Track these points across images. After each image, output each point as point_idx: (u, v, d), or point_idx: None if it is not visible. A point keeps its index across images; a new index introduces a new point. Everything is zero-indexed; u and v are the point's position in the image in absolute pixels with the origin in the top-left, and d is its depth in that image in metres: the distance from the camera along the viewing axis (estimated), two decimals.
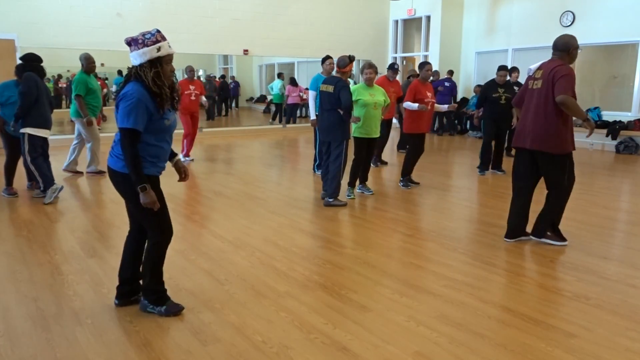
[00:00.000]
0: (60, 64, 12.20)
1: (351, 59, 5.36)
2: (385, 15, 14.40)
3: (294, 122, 14.17)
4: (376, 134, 5.78)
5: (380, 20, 14.31)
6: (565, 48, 3.96)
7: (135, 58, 2.65)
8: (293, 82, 14.09)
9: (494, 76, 7.37)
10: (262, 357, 2.54)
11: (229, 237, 4.48)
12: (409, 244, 4.33)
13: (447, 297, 3.23)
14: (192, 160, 8.46)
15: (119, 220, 4.99)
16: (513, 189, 4.35)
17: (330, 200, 5.48)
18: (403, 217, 5.15)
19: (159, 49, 2.65)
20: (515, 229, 4.36)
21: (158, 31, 2.69)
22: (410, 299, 3.21)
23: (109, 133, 9.54)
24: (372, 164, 7.80)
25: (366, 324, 2.88)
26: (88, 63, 6.74)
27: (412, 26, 14.55)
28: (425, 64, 6.21)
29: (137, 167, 2.65)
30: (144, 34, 2.65)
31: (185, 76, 8.40)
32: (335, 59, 5.77)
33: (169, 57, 2.71)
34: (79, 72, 6.80)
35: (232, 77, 17.26)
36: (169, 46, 2.70)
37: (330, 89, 5.28)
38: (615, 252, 4.15)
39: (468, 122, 12.65)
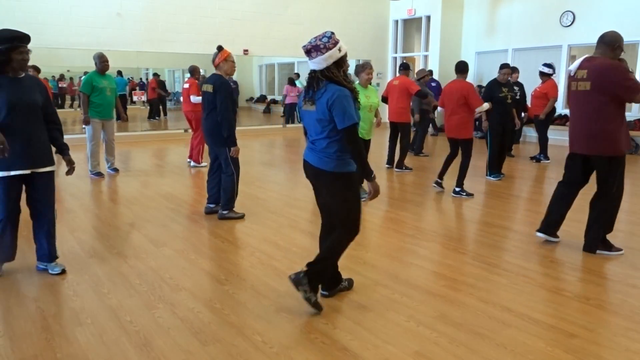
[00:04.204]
0: (60, 64, 12.20)
1: (219, 49, 4.72)
2: (385, 15, 14.40)
3: (293, 122, 14.17)
4: (369, 135, 5.73)
5: (380, 20, 14.31)
6: (612, 43, 3.82)
7: (320, 62, 2.75)
8: (291, 82, 14.09)
9: (493, 76, 7.21)
10: (262, 357, 2.54)
11: (229, 237, 4.48)
12: (409, 244, 4.33)
13: (447, 297, 3.23)
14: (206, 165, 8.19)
15: (118, 220, 4.99)
16: (558, 191, 4.23)
17: (225, 212, 4.99)
18: (403, 217, 5.15)
19: (340, 49, 2.78)
20: (550, 225, 4.27)
21: (333, 33, 2.80)
22: (410, 299, 3.21)
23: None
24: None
25: (366, 324, 2.88)
26: (101, 62, 6.89)
27: (412, 26, 14.55)
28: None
29: (366, 159, 2.83)
30: (320, 39, 2.75)
31: (189, 76, 8.40)
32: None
33: (346, 55, 2.84)
34: (92, 71, 6.94)
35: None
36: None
37: (210, 88, 4.68)
38: None
39: None
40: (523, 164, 8.46)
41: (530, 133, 11.29)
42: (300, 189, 6.48)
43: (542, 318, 2.95)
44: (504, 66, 7.10)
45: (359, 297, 3.22)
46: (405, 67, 7.88)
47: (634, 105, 10.06)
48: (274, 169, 8.13)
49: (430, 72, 12.28)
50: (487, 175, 7.14)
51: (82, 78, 7.08)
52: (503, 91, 6.98)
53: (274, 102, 17.05)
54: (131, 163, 8.42)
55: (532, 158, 8.83)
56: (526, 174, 7.53)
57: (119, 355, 2.55)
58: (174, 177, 7.02)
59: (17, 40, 3.17)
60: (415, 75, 9.73)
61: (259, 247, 4.22)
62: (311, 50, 2.75)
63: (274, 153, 10.07)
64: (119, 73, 13.29)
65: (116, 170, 7.42)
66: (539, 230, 4.33)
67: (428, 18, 13.47)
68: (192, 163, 7.96)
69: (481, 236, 4.55)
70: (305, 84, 2.92)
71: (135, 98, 13.95)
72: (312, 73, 2.83)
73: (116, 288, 3.36)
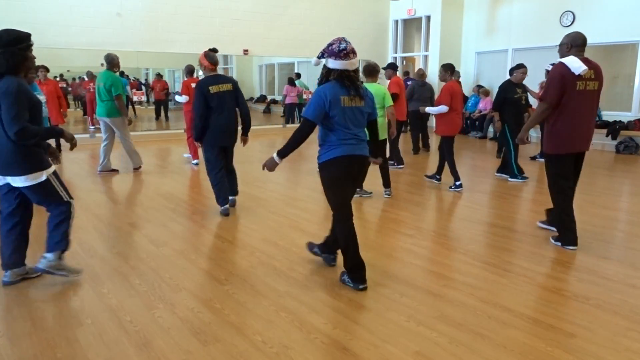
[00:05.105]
0: (60, 63, 12.19)
1: (214, 51, 5.10)
2: (385, 15, 14.40)
3: (293, 122, 14.17)
4: (383, 135, 5.69)
5: (380, 20, 14.31)
6: None
7: (356, 64, 3.14)
8: (291, 82, 14.09)
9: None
10: (262, 357, 2.54)
11: (229, 237, 4.48)
12: (409, 244, 4.32)
13: (447, 297, 3.23)
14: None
15: (118, 220, 4.99)
16: (565, 192, 4.14)
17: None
18: (403, 217, 5.15)
19: None
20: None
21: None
22: (410, 299, 3.21)
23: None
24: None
25: (366, 324, 2.88)
26: (118, 62, 6.97)
27: (412, 26, 14.56)
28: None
29: None
30: (348, 43, 3.09)
31: (186, 77, 8.41)
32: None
33: None
34: (107, 71, 6.89)
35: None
36: None
37: (230, 86, 4.97)
38: (615, 252, 4.14)
39: (468, 122, 12.64)
40: (523, 164, 8.43)
41: (530, 133, 11.28)
42: (300, 189, 6.48)
43: (542, 318, 2.95)
44: (520, 66, 6.91)
45: (359, 297, 3.23)
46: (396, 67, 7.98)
47: (634, 105, 10.07)
48: None
49: (405, 72, 12.61)
50: (513, 177, 6.91)
51: (108, 80, 6.81)
52: (517, 92, 6.82)
53: (274, 102, 17.05)
54: (132, 163, 8.41)
55: (532, 158, 8.83)
56: (526, 174, 7.52)
57: (119, 355, 2.55)
58: (174, 177, 7.02)
59: (27, 40, 3.11)
60: (416, 77, 9.76)
61: (259, 247, 4.22)
62: (350, 53, 3.06)
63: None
64: (122, 73, 13.30)
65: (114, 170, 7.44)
66: (574, 245, 4.17)
67: (428, 18, 13.47)
68: (194, 161, 8.05)
69: (481, 236, 4.56)
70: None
71: (135, 98, 13.96)
72: (348, 72, 3.11)
73: (116, 288, 3.36)
